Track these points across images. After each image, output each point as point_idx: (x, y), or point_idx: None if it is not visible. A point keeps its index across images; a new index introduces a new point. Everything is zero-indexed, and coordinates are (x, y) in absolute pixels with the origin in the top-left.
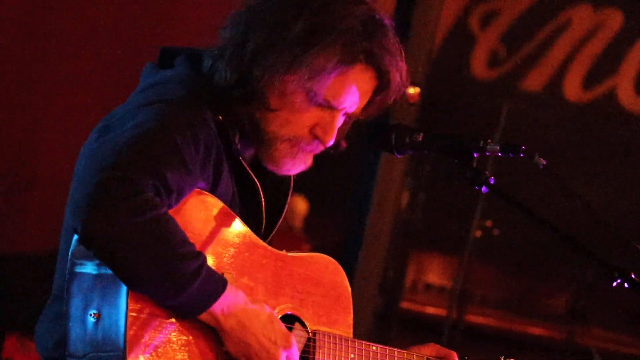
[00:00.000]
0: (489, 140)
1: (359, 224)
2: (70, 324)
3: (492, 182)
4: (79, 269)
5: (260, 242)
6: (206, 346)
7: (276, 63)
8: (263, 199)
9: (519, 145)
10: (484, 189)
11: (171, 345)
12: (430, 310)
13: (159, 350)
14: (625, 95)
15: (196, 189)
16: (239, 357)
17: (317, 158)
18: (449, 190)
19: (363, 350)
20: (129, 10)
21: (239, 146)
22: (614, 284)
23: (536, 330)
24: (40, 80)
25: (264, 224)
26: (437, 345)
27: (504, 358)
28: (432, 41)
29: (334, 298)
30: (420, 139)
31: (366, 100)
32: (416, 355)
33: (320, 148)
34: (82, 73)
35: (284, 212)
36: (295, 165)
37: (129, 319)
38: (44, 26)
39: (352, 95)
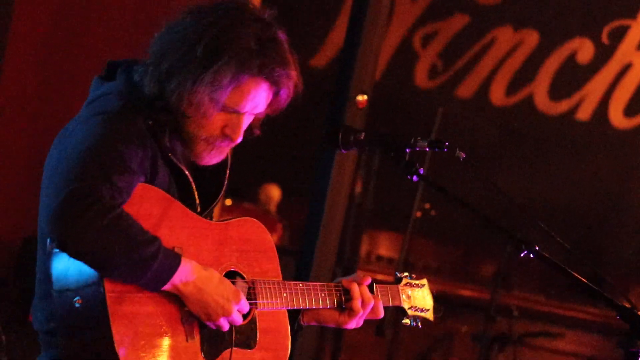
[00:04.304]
0: (419, 138)
1: (319, 207)
2: (58, 306)
3: (421, 172)
4: (55, 260)
5: (198, 217)
6: (172, 309)
7: (184, 80)
8: (193, 183)
9: (443, 141)
10: (414, 178)
11: (144, 312)
12: (380, 277)
13: (136, 318)
14: (541, 100)
15: (140, 183)
16: (199, 314)
17: (287, 155)
18: (394, 179)
19: (292, 289)
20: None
21: (168, 144)
22: (522, 254)
23: (466, 292)
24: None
25: (198, 203)
26: (360, 272)
27: (399, 273)
28: (377, 57)
29: (262, 251)
30: (362, 138)
31: (267, 102)
32: (334, 287)
33: (232, 145)
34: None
35: (223, 189)
36: (212, 158)
37: (108, 298)
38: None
39: (250, 101)
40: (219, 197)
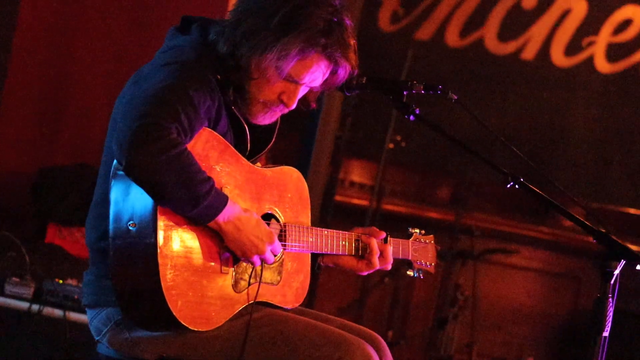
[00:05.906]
0: (415, 82)
1: (309, 141)
2: (113, 227)
3: (417, 112)
4: (117, 184)
5: (247, 162)
6: (212, 243)
7: (256, 46)
8: (248, 134)
9: (437, 85)
10: (411, 117)
11: (187, 242)
12: (356, 201)
13: (181, 245)
14: (491, 42)
15: (205, 127)
16: (235, 251)
17: None
18: (369, 113)
19: (318, 235)
20: None
21: (232, 97)
22: (508, 186)
23: (432, 214)
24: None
25: (248, 151)
26: (375, 228)
27: (411, 229)
28: (361, 4)
29: (297, 199)
30: (364, 82)
31: (323, 78)
32: (354, 235)
33: (285, 111)
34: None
35: (269, 145)
36: (265, 119)
37: (159, 225)
38: None
39: (310, 74)
40: (264, 151)
